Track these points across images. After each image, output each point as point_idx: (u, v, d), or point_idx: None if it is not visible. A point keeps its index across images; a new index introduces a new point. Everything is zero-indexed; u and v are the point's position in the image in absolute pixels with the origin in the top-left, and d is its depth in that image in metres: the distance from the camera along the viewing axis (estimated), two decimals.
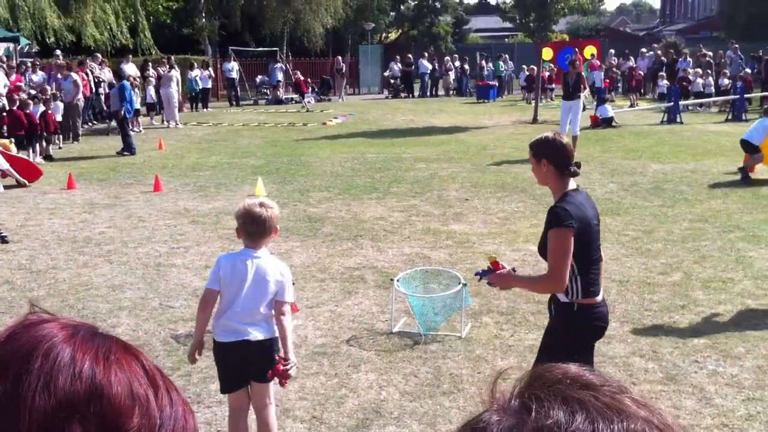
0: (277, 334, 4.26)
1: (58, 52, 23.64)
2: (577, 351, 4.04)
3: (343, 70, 33.59)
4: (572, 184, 4.17)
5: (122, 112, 17.50)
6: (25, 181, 13.12)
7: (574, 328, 4.18)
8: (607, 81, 28.39)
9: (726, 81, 26.07)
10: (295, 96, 30.94)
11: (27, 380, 0.85)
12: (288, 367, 4.17)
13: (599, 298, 4.19)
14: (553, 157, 4.12)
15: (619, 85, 31.44)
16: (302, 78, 30.61)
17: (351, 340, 6.45)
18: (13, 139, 14.72)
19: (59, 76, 20.35)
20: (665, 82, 27.04)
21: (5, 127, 15.73)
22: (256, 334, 4.21)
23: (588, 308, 4.13)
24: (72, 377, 0.87)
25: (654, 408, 0.81)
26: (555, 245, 3.98)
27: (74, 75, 19.95)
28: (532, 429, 0.76)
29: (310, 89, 31.36)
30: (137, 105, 21.56)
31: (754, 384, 5.50)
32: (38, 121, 16.33)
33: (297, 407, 5.24)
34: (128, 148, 17.14)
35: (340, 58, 34.30)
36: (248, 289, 4.20)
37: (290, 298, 4.28)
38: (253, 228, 4.20)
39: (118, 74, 19.87)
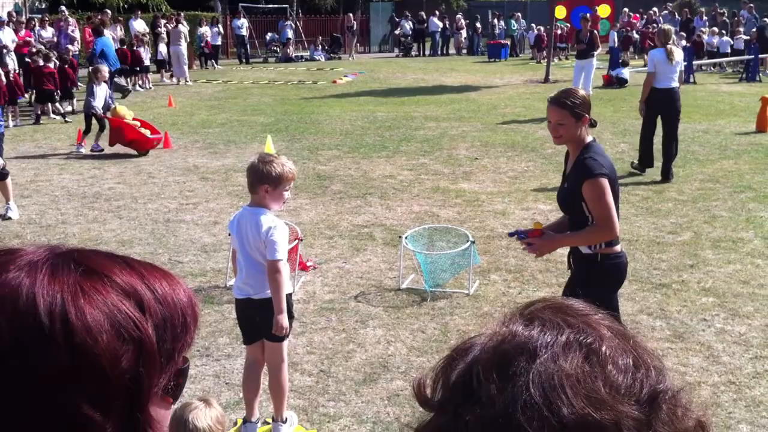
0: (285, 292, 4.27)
1: (63, 8, 23.44)
2: (605, 301, 3.98)
3: (354, 28, 33.29)
4: (590, 135, 4.25)
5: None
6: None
7: (600, 278, 4.22)
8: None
9: (741, 40, 25.68)
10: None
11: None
12: None
13: (619, 247, 4.24)
14: (588, 112, 4.18)
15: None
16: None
17: (359, 296, 6.47)
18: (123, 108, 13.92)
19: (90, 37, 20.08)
20: (683, 41, 26.45)
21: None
22: (258, 292, 4.23)
23: (610, 258, 4.19)
24: (46, 346, 0.79)
25: (628, 335, 0.81)
26: (595, 195, 4.02)
27: (106, 32, 19.63)
28: (494, 339, 0.80)
29: (320, 47, 31.10)
30: (146, 62, 21.46)
31: (762, 342, 5.50)
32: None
33: (305, 361, 5.28)
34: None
35: (351, 15, 33.98)
36: (244, 246, 4.22)
37: (279, 256, 4.11)
38: (248, 177, 4.23)
39: (97, 30, 19.37)
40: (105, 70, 13.61)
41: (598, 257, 4.16)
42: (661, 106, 10.41)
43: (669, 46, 10.28)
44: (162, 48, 22.81)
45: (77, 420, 0.80)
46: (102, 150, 12.46)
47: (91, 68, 13.82)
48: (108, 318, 0.82)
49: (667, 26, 11.41)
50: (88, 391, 0.80)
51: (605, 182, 4.01)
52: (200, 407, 3.05)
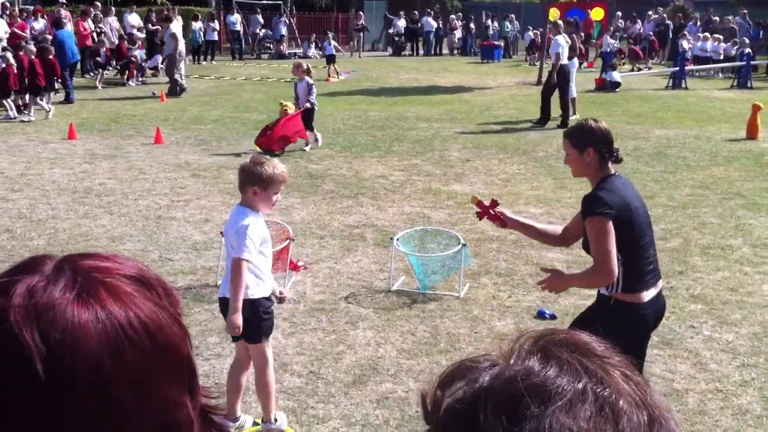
0: (254, 294, 4.20)
1: None
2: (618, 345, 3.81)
3: (363, 26, 32.81)
4: (611, 169, 3.97)
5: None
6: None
7: (609, 325, 3.73)
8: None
9: (733, 48, 25.66)
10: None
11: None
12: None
13: (647, 296, 3.83)
14: (599, 145, 3.90)
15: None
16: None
17: (349, 297, 6.48)
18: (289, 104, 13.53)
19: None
20: (685, 41, 26.16)
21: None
22: (226, 292, 4.24)
23: (627, 308, 3.81)
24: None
25: (644, 387, 0.78)
26: (592, 235, 3.75)
27: (172, 27, 19.39)
28: (508, 373, 0.77)
29: (313, 44, 31.05)
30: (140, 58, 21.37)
31: (749, 350, 5.54)
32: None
33: (294, 362, 5.28)
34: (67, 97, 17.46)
35: (361, 13, 33.57)
36: (227, 244, 4.28)
37: (244, 255, 4.06)
38: (239, 177, 4.30)
39: (57, 23, 19.16)
40: (304, 63, 13.40)
41: (611, 301, 3.82)
42: (558, 77, 14.86)
43: (564, 34, 14.95)
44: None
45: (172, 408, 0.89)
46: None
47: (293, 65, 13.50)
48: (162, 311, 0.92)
49: (559, 20, 16.25)
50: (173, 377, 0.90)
51: (605, 222, 3.69)
52: None
